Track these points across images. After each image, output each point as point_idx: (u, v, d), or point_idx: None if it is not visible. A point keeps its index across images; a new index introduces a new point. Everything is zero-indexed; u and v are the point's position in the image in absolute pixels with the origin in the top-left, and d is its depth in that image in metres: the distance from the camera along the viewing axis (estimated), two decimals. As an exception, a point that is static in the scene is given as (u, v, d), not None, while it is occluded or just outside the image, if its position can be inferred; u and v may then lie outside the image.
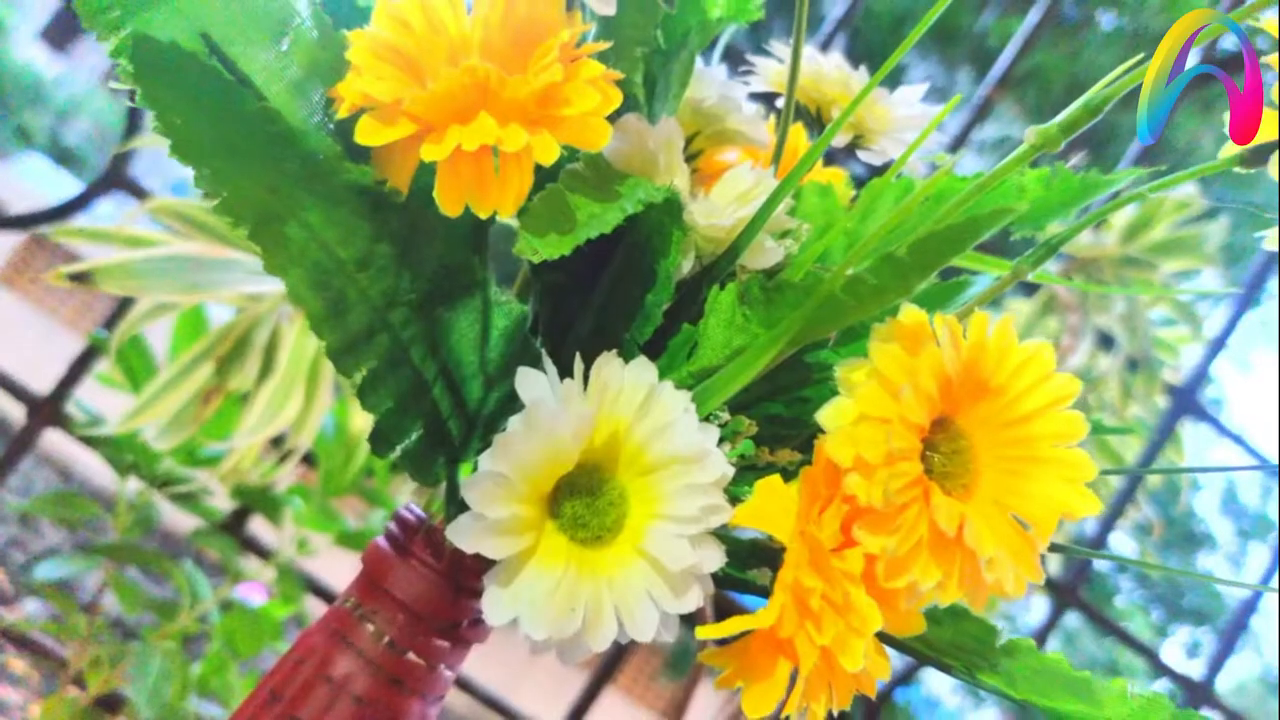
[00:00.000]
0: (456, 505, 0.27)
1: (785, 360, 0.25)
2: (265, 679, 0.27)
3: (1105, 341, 0.83)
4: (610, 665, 0.86)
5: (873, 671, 0.22)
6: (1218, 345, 0.90)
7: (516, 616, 0.21)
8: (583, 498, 0.23)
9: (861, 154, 0.32)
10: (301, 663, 0.27)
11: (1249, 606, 0.94)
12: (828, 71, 0.31)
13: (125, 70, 0.19)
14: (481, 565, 0.26)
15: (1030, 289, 0.84)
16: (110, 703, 0.69)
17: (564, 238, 0.22)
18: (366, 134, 0.21)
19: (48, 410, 0.77)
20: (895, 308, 0.22)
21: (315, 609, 0.78)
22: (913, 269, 0.20)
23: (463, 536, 0.21)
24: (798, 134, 0.31)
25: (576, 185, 0.23)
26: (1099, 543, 0.85)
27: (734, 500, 0.23)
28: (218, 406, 0.55)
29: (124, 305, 0.70)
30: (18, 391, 0.78)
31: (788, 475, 0.23)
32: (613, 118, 0.23)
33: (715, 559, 0.22)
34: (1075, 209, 0.26)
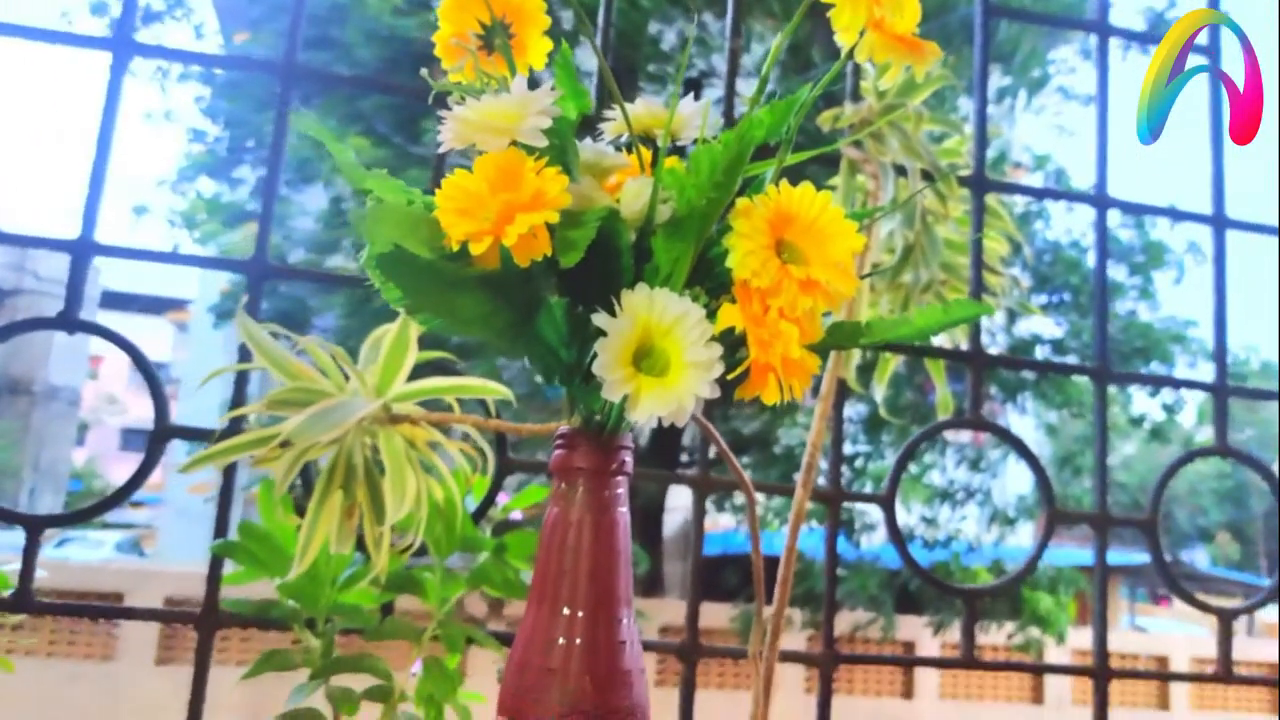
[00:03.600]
0: (578, 408, 0.50)
1: (703, 263, 0.49)
2: (540, 547, 0.49)
3: (902, 171, 1.09)
4: None
5: (808, 362, 0.45)
6: (980, 131, 1.17)
7: (649, 415, 0.44)
8: (646, 359, 0.46)
9: (683, 144, 0.56)
10: (554, 526, 0.49)
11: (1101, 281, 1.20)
12: (640, 112, 0.55)
13: (375, 275, 0.41)
14: (612, 438, 0.49)
15: (833, 165, 1.10)
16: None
17: (576, 250, 0.45)
18: (476, 248, 0.44)
19: (211, 618, 0.96)
20: (734, 202, 0.46)
21: (477, 653, 0.98)
22: (726, 181, 0.44)
23: (608, 392, 0.44)
24: (645, 151, 0.55)
25: (566, 224, 0.46)
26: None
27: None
28: (358, 518, 0.76)
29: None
30: (182, 616, 0.97)
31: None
32: (565, 188, 0.46)
33: (718, 350, 0.45)
34: (790, 118, 0.50)
